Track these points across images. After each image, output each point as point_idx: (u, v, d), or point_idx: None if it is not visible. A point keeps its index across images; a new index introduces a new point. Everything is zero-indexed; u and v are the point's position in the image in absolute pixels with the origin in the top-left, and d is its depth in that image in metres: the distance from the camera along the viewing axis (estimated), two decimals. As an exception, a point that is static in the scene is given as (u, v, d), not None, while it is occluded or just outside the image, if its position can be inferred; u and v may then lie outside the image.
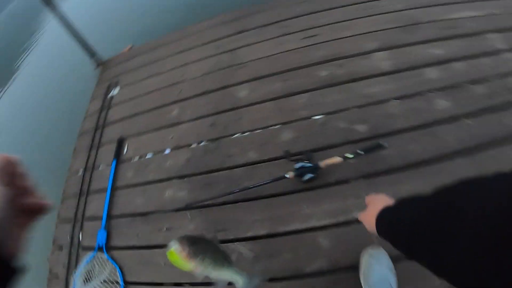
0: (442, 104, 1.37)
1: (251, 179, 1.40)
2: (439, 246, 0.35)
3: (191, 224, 1.39)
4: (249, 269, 1.19)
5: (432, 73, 1.50)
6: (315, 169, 1.24)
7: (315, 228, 1.22)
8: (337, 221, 1.20)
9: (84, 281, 1.46)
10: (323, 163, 1.23)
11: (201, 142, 1.64)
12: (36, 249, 2.01)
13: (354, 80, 1.58)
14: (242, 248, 1.24)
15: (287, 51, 1.87)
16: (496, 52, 1.50)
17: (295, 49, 1.87)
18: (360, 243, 1.11)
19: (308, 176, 1.26)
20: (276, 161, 1.43)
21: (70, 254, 1.60)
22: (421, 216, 0.39)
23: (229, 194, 1.33)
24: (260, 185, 1.29)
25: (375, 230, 0.54)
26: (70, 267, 1.56)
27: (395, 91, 1.48)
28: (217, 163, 1.52)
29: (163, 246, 1.40)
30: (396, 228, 0.46)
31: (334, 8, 2.01)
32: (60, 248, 1.66)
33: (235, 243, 1.26)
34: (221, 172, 1.49)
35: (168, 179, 1.59)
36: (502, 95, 1.35)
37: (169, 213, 1.46)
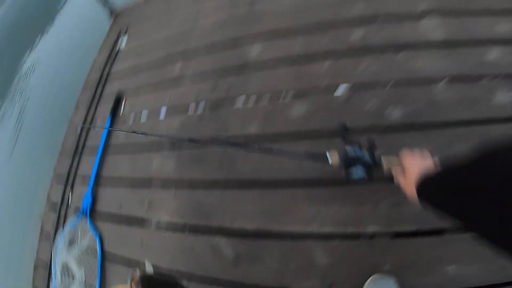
0: (504, 99, 1.00)
1: (247, 158, 1.18)
2: (476, 209, 0.35)
3: (174, 202, 1.22)
4: (225, 272, 1.01)
5: (496, 55, 1.09)
6: (372, 166, 0.72)
7: (314, 235, 0.97)
8: (344, 231, 0.95)
9: (68, 244, 1.40)
10: (386, 163, 0.69)
11: (200, 101, 1.40)
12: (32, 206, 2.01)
13: (395, 49, 1.20)
14: (223, 243, 1.05)
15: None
16: None
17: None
18: (366, 266, 0.87)
19: (359, 173, 0.72)
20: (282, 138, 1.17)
21: (59, 214, 1.53)
22: (460, 183, 0.39)
23: (232, 145, 1.19)
24: (282, 155, 0.86)
25: (416, 196, 0.52)
26: (58, 227, 1.50)
27: (445, 71, 1.09)
28: (212, 135, 1.30)
29: (143, 222, 1.27)
30: (439, 195, 0.46)
31: None
32: (52, 206, 1.61)
33: (216, 238, 1.08)
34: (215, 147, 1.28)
35: (158, 147, 1.40)
36: None
37: (154, 187, 1.31)
